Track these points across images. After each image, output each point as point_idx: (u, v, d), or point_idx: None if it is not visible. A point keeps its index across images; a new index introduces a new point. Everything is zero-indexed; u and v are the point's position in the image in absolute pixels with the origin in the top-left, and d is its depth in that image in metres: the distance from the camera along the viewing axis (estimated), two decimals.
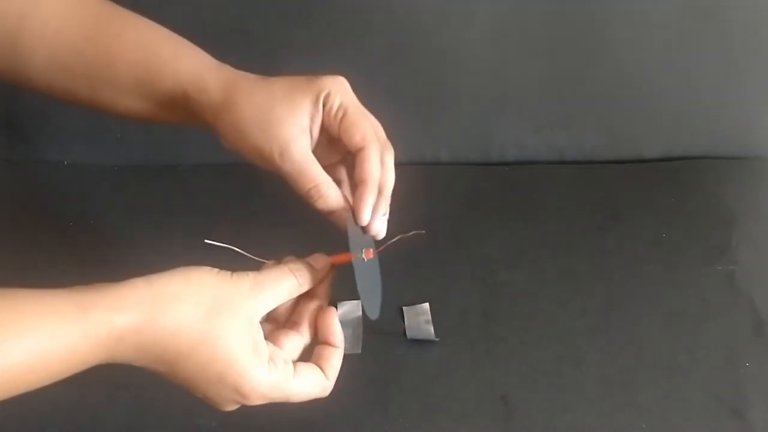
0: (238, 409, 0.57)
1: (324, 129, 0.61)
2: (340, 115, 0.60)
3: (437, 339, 0.75)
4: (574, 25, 0.87)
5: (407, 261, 0.79)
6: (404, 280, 0.79)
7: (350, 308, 0.76)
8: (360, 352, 0.74)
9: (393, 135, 0.63)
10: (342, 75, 0.63)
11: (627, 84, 0.91)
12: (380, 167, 0.61)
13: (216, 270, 0.55)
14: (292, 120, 0.60)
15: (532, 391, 0.71)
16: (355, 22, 0.86)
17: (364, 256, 0.59)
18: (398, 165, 0.63)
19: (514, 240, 0.84)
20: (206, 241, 0.58)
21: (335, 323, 0.59)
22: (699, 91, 0.92)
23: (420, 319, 0.76)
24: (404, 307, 0.77)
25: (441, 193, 0.89)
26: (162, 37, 0.65)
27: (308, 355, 0.59)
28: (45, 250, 0.83)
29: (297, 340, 0.58)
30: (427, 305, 0.78)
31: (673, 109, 0.93)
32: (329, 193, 0.60)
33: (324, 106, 0.60)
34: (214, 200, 0.90)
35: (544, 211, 0.88)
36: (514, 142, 0.94)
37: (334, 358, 0.58)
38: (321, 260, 0.60)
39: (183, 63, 0.63)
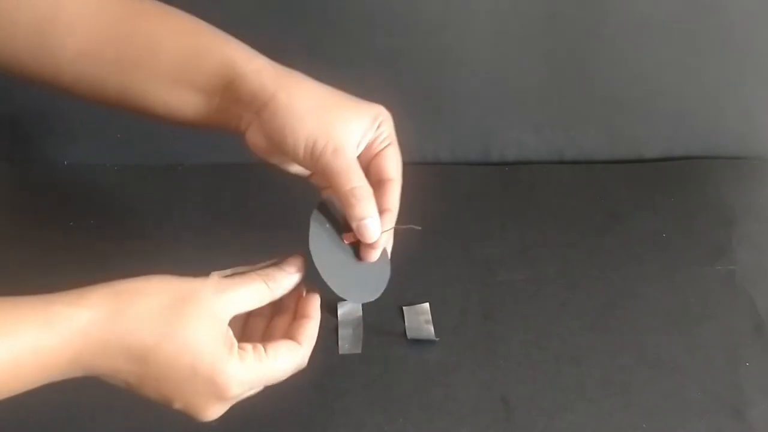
0: (226, 411, 0.56)
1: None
2: (386, 143, 0.62)
3: (437, 339, 0.75)
4: (574, 25, 0.87)
5: (407, 261, 0.79)
6: (404, 280, 0.79)
7: (350, 308, 0.76)
8: (360, 352, 0.74)
9: None
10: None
11: (627, 84, 0.91)
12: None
13: (177, 275, 0.55)
14: (353, 121, 0.60)
15: (532, 391, 0.71)
16: (355, 22, 0.86)
17: (345, 240, 0.60)
18: None
19: (514, 240, 0.84)
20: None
21: (314, 299, 0.59)
22: (699, 91, 0.92)
23: (420, 319, 0.76)
24: (404, 307, 0.77)
25: (441, 193, 0.89)
26: (206, 25, 0.64)
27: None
28: (45, 250, 0.83)
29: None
30: (427, 305, 0.78)
31: (673, 109, 0.93)
32: (370, 198, 0.59)
33: (377, 128, 0.62)
34: (214, 200, 0.89)
35: (544, 211, 0.88)
36: (514, 142, 0.94)
37: (310, 327, 0.58)
38: (295, 262, 0.59)
39: (233, 45, 0.62)
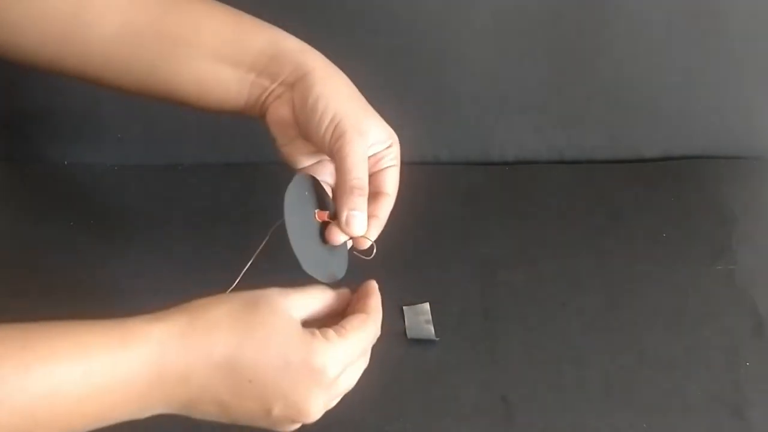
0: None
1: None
2: (392, 163, 0.63)
3: (437, 339, 0.75)
4: (574, 25, 0.87)
5: (407, 261, 0.79)
6: (404, 280, 0.79)
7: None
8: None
9: None
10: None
11: (627, 84, 0.91)
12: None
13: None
14: (376, 124, 0.62)
15: (532, 391, 0.71)
16: (355, 21, 0.86)
17: (317, 218, 0.61)
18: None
19: (514, 240, 0.84)
20: None
21: (370, 283, 0.60)
22: (699, 91, 0.92)
23: (420, 319, 0.77)
24: (404, 307, 0.77)
25: (441, 193, 0.89)
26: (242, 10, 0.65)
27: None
28: (45, 250, 0.83)
29: None
30: (427, 305, 0.78)
31: (673, 109, 0.93)
32: (366, 195, 0.60)
33: (389, 147, 0.63)
34: (214, 200, 0.89)
35: (544, 211, 0.88)
36: (514, 142, 0.94)
37: (371, 300, 0.58)
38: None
39: (275, 28, 0.64)
